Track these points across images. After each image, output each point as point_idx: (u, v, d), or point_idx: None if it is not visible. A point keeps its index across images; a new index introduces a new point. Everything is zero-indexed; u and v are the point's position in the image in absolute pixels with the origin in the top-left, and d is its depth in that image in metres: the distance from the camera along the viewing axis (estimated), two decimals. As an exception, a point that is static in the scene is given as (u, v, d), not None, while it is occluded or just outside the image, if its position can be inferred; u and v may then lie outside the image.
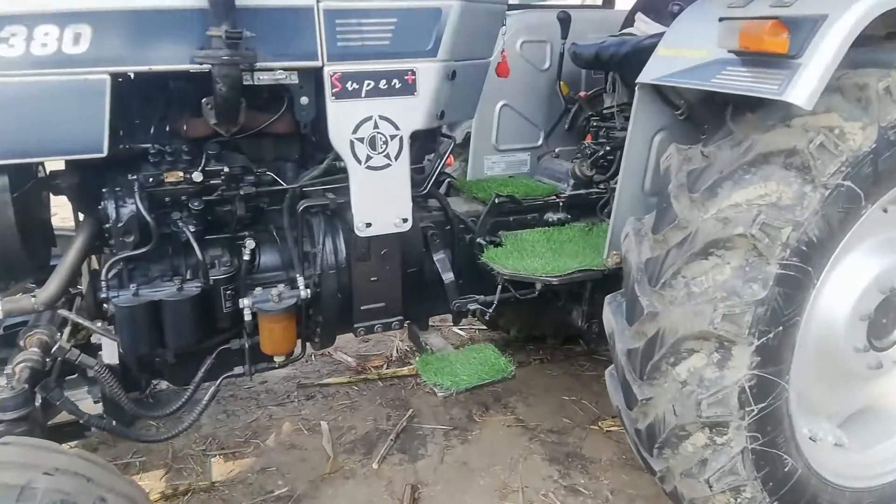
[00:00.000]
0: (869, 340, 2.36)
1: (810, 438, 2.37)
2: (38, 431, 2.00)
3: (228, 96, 2.03)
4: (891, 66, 2.03)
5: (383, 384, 3.90)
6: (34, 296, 2.15)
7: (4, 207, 2.00)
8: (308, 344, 2.69)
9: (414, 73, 2.25)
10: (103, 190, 2.19)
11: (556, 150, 3.55)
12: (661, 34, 2.51)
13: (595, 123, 3.48)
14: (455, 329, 4.40)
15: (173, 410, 2.42)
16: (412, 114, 2.30)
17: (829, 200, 2.02)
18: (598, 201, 3.20)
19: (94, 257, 2.49)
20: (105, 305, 2.19)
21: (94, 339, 2.39)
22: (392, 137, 2.30)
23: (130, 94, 2.17)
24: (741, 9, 2.11)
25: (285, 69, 2.10)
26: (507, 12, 2.92)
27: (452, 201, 3.05)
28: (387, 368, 4.06)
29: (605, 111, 3.47)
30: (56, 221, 2.62)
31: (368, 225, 2.38)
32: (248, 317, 2.29)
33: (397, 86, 2.24)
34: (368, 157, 2.30)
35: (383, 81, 2.22)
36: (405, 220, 2.43)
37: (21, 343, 2.16)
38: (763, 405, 2.11)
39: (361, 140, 2.27)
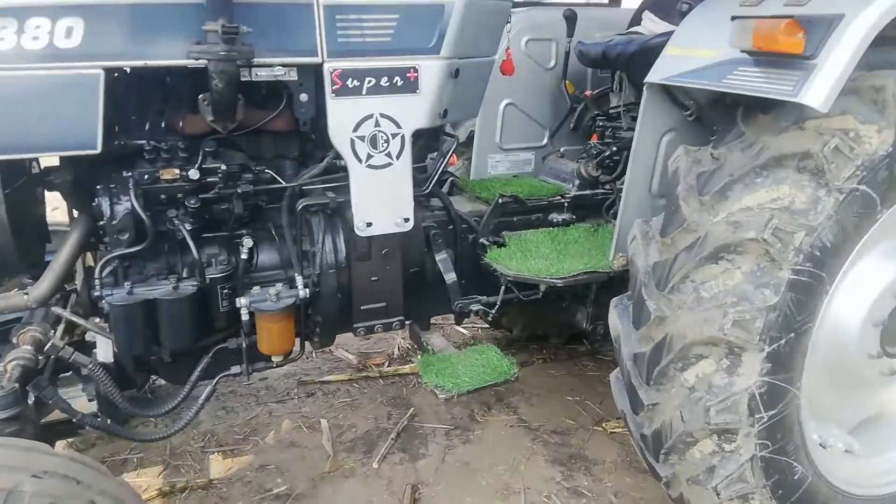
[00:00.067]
0: (882, 347, 2.30)
1: (820, 445, 2.33)
2: (29, 430, 1.97)
3: (225, 93, 1.98)
4: None
5: (384, 382, 3.87)
6: (26, 293, 2.12)
7: None
8: (307, 343, 2.65)
9: (416, 70, 2.21)
10: (98, 187, 2.15)
11: (562, 149, 3.50)
12: (670, 33, 2.46)
13: (601, 123, 3.43)
14: (457, 328, 4.36)
15: (168, 409, 2.39)
16: (414, 112, 2.26)
17: (843, 205, 1.97)
18: (603, 202, 3.15)
19: (89, 254, 2.45)
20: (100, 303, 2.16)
21: (88, 337, 2.35)
22: (393, 136, 2.26)
23: (125, 90, 2.13)
24: (754, 7, 2.04)
25: (284, 65, 2.06)
26: (513, 9, 2.86)
27: (455, 201, 3.00)
28: (388, 366, 4.03)
29: (611, 111, 3.42)
30: (57, 216, 2.58)
31: (369, 224, 2.34)
32: (245, 316, 2.26)
33: (399, 83, 2.19)
34: (369, 156, 2.26)
35: (385, 79, 2.17)
36: (406, 220, 2.40)
37: (14, 340, 2.14)
38: (773, 412, 2.06)
39: (362, 138, 2.23)
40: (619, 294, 2.51)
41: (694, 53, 2.22)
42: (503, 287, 2.78)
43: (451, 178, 3.32)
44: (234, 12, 1.88)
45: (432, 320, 3.11)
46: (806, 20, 1.85)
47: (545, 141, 3.58)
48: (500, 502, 2.89)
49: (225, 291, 2.27)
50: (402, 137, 2.27)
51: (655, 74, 2.34)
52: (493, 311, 2.82)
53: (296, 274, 2.35)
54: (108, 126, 1.98)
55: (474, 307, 2.82)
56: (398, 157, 2.29)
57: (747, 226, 1.98)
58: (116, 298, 2.11)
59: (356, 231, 2.34)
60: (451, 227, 2.81)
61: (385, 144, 2.26)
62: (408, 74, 2.19)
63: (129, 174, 2.14)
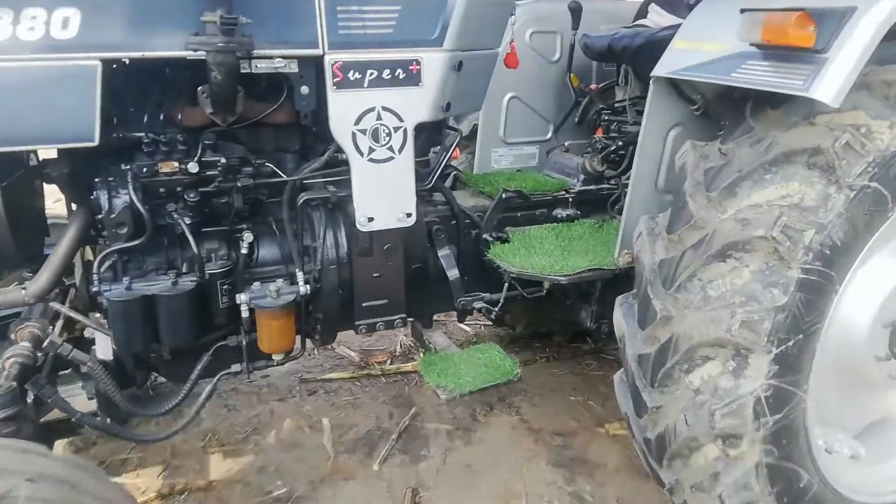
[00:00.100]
0: (891, 349, 2.26)
1: (826, 450, 2.28)
2: (27, 430, 1.95)
3: (224, 85, 1.96)
4: None
5: (386, 380, 3.84)
6: (24, 287, 2.10)
7: None
8: (308, 340, 2.63)
9: (419, 62, 2.18)
10: (96, 180, 2.13)
11: (566, 143, 3.46)
12: (677, 26, 2.42)
13: (606, 117, 3.39)
14: (460, 325, 4.33)
15: (168, 409, 2.36)
16: (417, 105, 2.23)
17: (854, 202, 1.92)
18: (608, 197, 3.11)
19: (89, 248, 2.43)
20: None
21: (87, 333, 2.33)
22: (396, 129, 2.23)
23: (123, 81, 2.11)
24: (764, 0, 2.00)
25: (284, 57, 2.03)
26: (517, 1, 2.84)
27: (458, 195, 2.97)
28: (390, 364, 3.99)
29: (616, 104, 3.38)
30: (58, 208, 2.55)
31: (370, 219, 2.32)
32: (245, 313, 2.23)
33: (401, 76, 2.16)
34: (371, 150, 2.23)
35: (387, 71, 2.14)
36: (409, 215, 2.37)
37: (12, 337, 2.12)
38: (779, 417, 2.02)
39: (364, 132, 2.20)
40: (623, 292, 2.48)
41: (702, 47, 2.18)
42: (506, 284, 2.74)
43: (454, 173, 3.28)
44: (233, 3, 1.85)
45: (434, 317, 3.08)
46: (817, 13, 1.81)
47: (549, 135, 3.54)
48: (502, 506, 2.85)
49: (225, 287, 2.24)
50: (405, 131, 2.25)
51: (662, 68, 2.30)
52: (497, 309, 2.79)
53: (296, 270, 2.33)
54: (106, 118, 1.95)
55: (477, 304, 2.79)
56: (400, 150, 2.26)
57: (756, 223, 1.94)
58: (114, 294, 2.08)
59: (357, 226, 2.31)
60: (454, 222, 2.78)
61: (387, 138, 2.23)
62: (410, 67, 2.16)
63: (128, 167, 2.12)
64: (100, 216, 2.12)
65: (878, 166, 1.92)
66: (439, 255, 2.69)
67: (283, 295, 2.24)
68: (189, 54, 1.91)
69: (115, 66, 1.96)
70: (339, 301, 2.45)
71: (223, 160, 2.19)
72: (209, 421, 3.38)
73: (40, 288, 2.09)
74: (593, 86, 3.50)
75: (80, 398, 2.28)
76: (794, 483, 2.12)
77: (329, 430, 3.32)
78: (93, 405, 2.28)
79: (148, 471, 3.01)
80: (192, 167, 2.14)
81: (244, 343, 2.34)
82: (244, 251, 2.30)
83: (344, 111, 2.15)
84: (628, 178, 2.59)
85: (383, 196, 2.32)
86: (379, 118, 2.20)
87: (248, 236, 2.31)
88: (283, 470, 3.05)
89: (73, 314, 2.18)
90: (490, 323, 4.27)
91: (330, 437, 3.27)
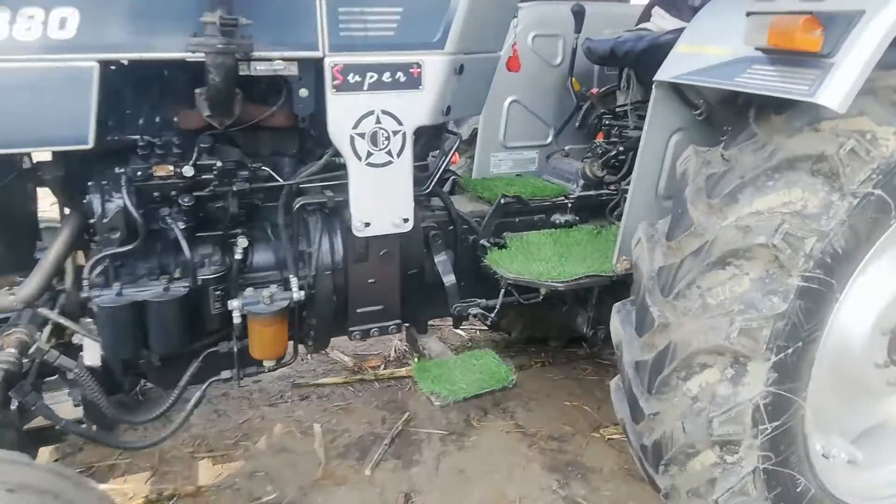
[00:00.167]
0: (890, 356, 2.26)
1: (823, 455, 2.28)
2: (11, 438, 1.92)
3: (222, 87, 1.92)
4: None
5: (380, 385, 3.80)
6: (13, 293, 2.05)
7: None
8: (301, 346, 2.59)
9: (419, 65, 2.15)
10: (89, 183, 2.09)
11: (566, 148, 3.45)
12: (680, 30, 2.41)
13: (607, 122, 3.38)
14: (455, 330, 4.30)
15: (156, 416, 2.32)
16: (416, 109, 2.21)
17: (857, 210, 1.91)
18: (607, 203, 3.10)
19: (81, 252, 2.38)
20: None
21: (76, 339, 2.28)
22: (395, 133, 2.21)
23: (120, 83, 2.07)
24: (770, 3, 1.98)
25: (284, 59, 2.01)
26: (520, 4, 2.82)
27: (456, 200, 2.95)
28: (384, 369, 3.97)
29: (617, 109, 3.37)
30: (54, 211, 2.51)
31: (367, 224, 2.29)
32: (237, 319, 2.19)
33: (402, 79, 2.14)
34: (369, 154, 2.20)
35: (387, 74, 2.12)
36: (406, 221, 2.35)
37: (-1, 342, 2.06)
38: (777, 423, 2.02)
39: (362, 135, 2.17)
40: (621, 298, 2.47)
41: (706, 51, 2.16)
42: (503, 290, 2.72)
43: (453, 178, 3.27)
44: (232, 4, 1.82)
45: (429, 322, 3.05)
46: (825, 17, 1.80)
47: (550, 139, 3.53)
48: (496, 512, 2.83)
49: (217, 293, 2.21)
50: (404, 135, 2.22)
51: (665, 72, 2.28)
52: (493, 315, 2.77)
53: (291, 275, 2.30)
54: (102, 121, 1.92)
55: (473, 311, 2.77)
56: (399, 155, 2.24)
57: (757, 231, 1.92)
58: (105, 300, 2.04)
59: (354, 231, 2.28)
60: (452, 227, 2.76)
61: (386, 142, 2.20)
62: (411, 70, 2.14)
63: (122, 170, 2.08)
64: (92, 220, 2.08)
65: (882, 173, 1.90)
66: (436, 260, 2.67)
67: (276, 301, 2.21)
68: (188, 56, 1.88)
69: (112, 67, 1.93)
70: (333, 307, 2.42)
71: (219, 164, 2.16)
72: (198, 426, 3.33)
73: (29, 293, 2.06)
74: (594, 90, 3.48)
75: (66, 405, 2.23)
76: (792, 488, 2.12)
77: (320, 436, 3.28)
78: (79, 412, 2.23)
79: (136, 476, 2.96)
80: (188, 171, 2.11)
81: (235, 349, 2.30)
82: (238, 256, 2.27)
83: (343, 114, 2.13)
84: (628, 184, 2.57)
85: (381, 201, 2.29)
86: (378, 122, 2.17)
87: (242, 241, 2.27)
88: (274, 475, 3.01)
89: (61, 320, 2.14)
90: (485, 328, 4.25)
91: (321, 442, 3.23)
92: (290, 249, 2.32)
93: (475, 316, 2.87)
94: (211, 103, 2.00)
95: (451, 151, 2.71)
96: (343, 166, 2.22)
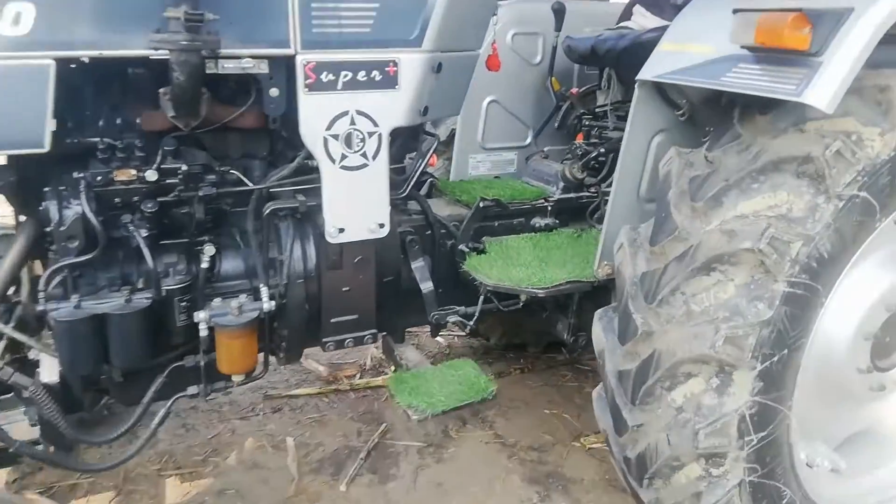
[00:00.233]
0: (873, 361, 2.25)
1: (807, 464, 2.26)
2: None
3: (187, 86, 1.85)
4: None
5: (355, 395, 3.71)
6: (-36, 306, 1.94)
7: None
8: (272, 357, 2.50)
9: (396, 64, 2.09)
10: (45, 189, 2.00)
11: (546, 149, 3.40)
12: (662, 28, 2.38)
13: (587, 122, 3.35)
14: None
15: (116, 436, 2.22)
16: (393, 109, 2.15)
17: (842, 213, 1.89)
18: (587, 206, 3.06)
19: (38, 262, 2.27)
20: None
21: (33, 355, 2.18)
22: (370, 135, 2.15)
23: (79, 82, 1.98)
24: (756, 0, 1.95)
25: (253, 57, 1.93)
26: (499, 2, 2.76)
27: (434, 203, 2.88)
28: (360, 378, 3.87)
29: (597, 110, 3.34)
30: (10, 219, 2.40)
31: (341, 230, 2.22)
32: (203, 332, 2.11)
33: (377, 78, 2.08)
34: (343, 156, 2.14)
35: (362, 73, 2.06)
36: (382, 226, 2.28)
37: (-52, 360, 1.95)
38: (763, 434, 1.98)
39: (336, 137, 2.11)
40: (601, 303, 2.44)
41: (690, 49, 2.13)
42: (482, 297, 2.67)
43: (430, 180, 3.20)
44: (198, -2, 1.74)
45: (406, 330, 2.98)
46: (814, 14, 1.76)
47: (529, 140, 3.49)
48: (474, 526, 2.77)
49: (183, 304, 2.12)
50: (379, 136, 2.16)
51: (649, 71, 2.24)
52: (472, 323, 2.71)
53: (261, 284, 2.21)
54: (59, 122, 1.83)
55: (452, 318, 2.71)
56: (374, 157, 2.18)
57: (742, 235, 1.89)
58: (62, 313, 1.94)
59: (327, 237, 2.22)
60: (429, 232, 2.70)
61: (361, 144, 2.14)
62: (387, 68, 2.08)
63: (81, 175, 1.99)
64: (49, 228, 1.98)
65: (867, 175, 1.88)
66: (413, 266, 2.61)
67: (245, 312, 2.13)
68: (151, 53, 1.80)
69: (70, 65, 1.83)
70: (305, 317, 2.35)
71: (184, 167, 2.08)
72: (165, 442, 3.21)
73: (-19, 306, 1.95)
74: (574, 90, 3.44)
75: (21, 424, 2.12)
76: (777, 500, 2.10)
77: (293, 450, 3.18)
78: (36, 432, 2.13)
79: (99, 497, 2.82)
80: (151, 175, 2.03)
81: (202, 364, 2.21)
82: (205, 265, 2.18)
83: (315, 115, 2.06)
84: (608, 186, 2.54)
85: (355, 205, 2.23)
86: (353, 123, 2.11)
87: (209, 249, 2.18)
88: (245, 493, 2.90)
89: (16, 335, 2.04)
90: (463, 334, 4.17)
91: (294, 456, 3.13)
92: (259, 257, 2.24)
93: (454, 323, 2.80)
94: (176, 103, 1.91)
95: (429, 153, 2.66)
96: (316, 169, 2.16)
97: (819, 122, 1.89)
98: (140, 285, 2.09)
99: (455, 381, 2.70)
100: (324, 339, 2.43)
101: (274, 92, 2.06)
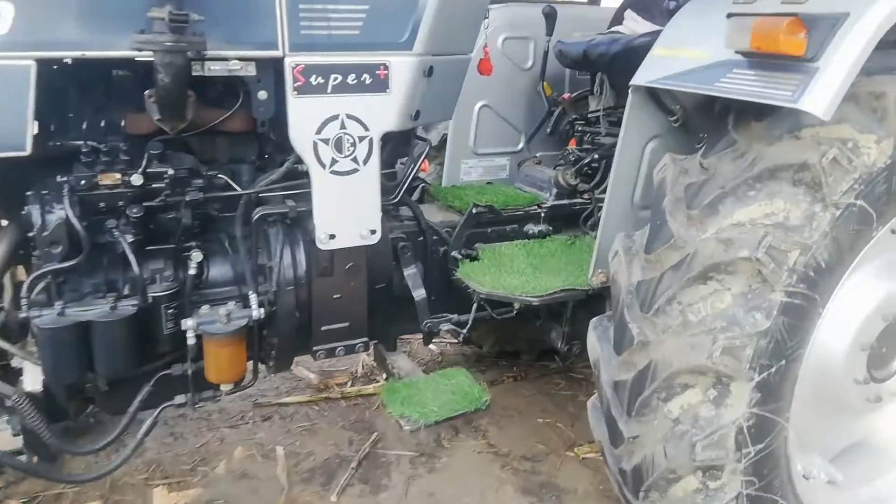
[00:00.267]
0: (869, 372, 2.22)
1: (804, 476, 2.23)
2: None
3: (172, 88, 1.82)
4: None
5: (347, 404, 3.66)
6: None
7: None
8: (262, 366, 2.47)
9: (386, 67, 2.07)
10: (28, 193, 1.96)
11: (538, 155, 3.39)
12: (655, 33, 2.36)
13: (580, 128, 3.32)
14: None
15: (102, 446, 2.19)
16: (383, 113, 2.13)
17: (839, 221, 1.86)
18: (581, 212, 3.04)
19: (20, 268, 2.23)
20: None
21: (15, 363, 2.14)
22: (360, 139, 2.12)
23: (62, 84, 1.95)
24: (751, 5, 1.93)
25: (240, 59, 1.91)
26: (490, 5, 2.74)
27: (426, 210, 2.87)
28: (351, 386, 3.82)
29: (590, 115, 3.32)
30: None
31: (332, 237, 2.20)
32: (191, 340, 2.07)
33: (368, 81, 2.06)
34: (333, 161, 2.12)
35: (352, 76, 2.03)
36: (373, 232, 2.26)
37: (-73, 368, 1.91)
38: (761, 446, 1.96)
39: (326, 141, 2.08)
40: (595, 311, 2.41)
41: (684, 54, 2.10)
42: (475, 305, 2.63)
43: (422, 186, 3.18)
44: (183, -2, 1.72)
45: (399, 338, 2.95)
46: (809, 19, 1.74)
47: (521, 146, 3.47)
48: (467, 537, 2.73)
49: (170, 311, 2.09)
50: (370, 141, 2.14)
51: (642, 76, 2.21)
52: (465, 331, 2.68)
53: (250, 291, 2.18)
54: (41, 125, 1.80)
55: (444, 326, 2.68)
56: (365, 162, 2.15)
57: (739, 243, 1.86)
58: (45, 321, 1.90)
59: (317, 244, 2.19)
60: (421, 238, 2.67)
61: (351, 148, 2.12)
62: (377, 72, 2.06)
63: (64, 179, 1.96)
64: (32, 233, 1.95)
65: (864, 183, 1.85)
66: (405, 274, 2.58)
67: (234, 319, 2.10)
68: (135, 54, 1.77)
69: (53, 66, 1.80)
70: (296, 325, 2.32)
71: (171, 171, 2.04)
72: (153, 450, 3.16)
73: (-37, 313, 1.91)
74: (566, 95, 3.43)
75: (4, 434, 2.08)
76: None
77: (283, 459, 3.13)
78: (19, 442, 2.08)
79: (84, 508, 2.79)
80: (136, 179, 1.99)
81: (190, 372, 2.18)
82: (192, 271, 2.15)
83: (305, 119, 2.04)
84: (602, 193, 2.51)
85: (346, 211, 2.21)
86: (343, 127, 2.09)
87: (196, 255, 2.15)
88: (234, 503, 2.85)
89: None
90: (456, 342, 4.14)
91: (284, 466, 3.08)
92: (248, 263, 2.21)
93: (447, 331, 2.77)
94: (161, 106, 1.88)
95: (421, 158, 2.63)
96: (305, 174, 2.13)
97: (815, 129, 1.87)
98: (126, 292, 2.06)
99: (448, 390, 2.66)
100: (314, 348, 2.40)
101: (262, 95, 2.04)
